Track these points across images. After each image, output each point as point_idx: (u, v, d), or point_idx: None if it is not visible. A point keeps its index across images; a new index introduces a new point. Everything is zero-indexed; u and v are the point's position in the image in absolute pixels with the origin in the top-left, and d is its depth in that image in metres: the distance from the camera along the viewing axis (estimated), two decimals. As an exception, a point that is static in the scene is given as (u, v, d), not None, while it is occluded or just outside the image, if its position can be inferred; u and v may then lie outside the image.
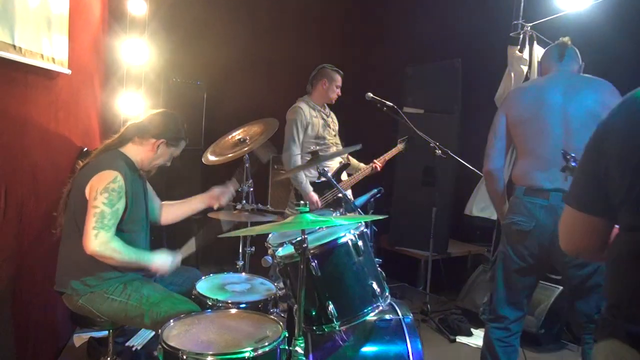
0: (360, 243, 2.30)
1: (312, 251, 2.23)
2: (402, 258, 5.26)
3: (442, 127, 5.01)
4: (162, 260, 2.48)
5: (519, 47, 4.62)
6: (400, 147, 4.39)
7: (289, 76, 4.88)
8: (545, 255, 2.60)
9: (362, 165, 4.40)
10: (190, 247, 2.66)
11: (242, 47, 5.16)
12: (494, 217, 4.75)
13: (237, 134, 3.45)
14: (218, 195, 2.97)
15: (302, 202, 2.02)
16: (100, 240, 2.29)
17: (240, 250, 3.54)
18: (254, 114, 4.71)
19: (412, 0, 4.90)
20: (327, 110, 4.42)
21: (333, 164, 4.32)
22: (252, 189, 3.48)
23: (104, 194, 2.33)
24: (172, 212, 2.94)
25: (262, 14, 5.47)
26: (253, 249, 3.58)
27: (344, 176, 4.36)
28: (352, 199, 4.50)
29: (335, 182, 3.14)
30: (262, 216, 3.10)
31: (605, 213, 1.36)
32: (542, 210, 2.54)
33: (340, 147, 4.46)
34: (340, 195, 4.34)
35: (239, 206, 3.21)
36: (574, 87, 2.61)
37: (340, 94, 4.34)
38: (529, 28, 4.59)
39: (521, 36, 4.62)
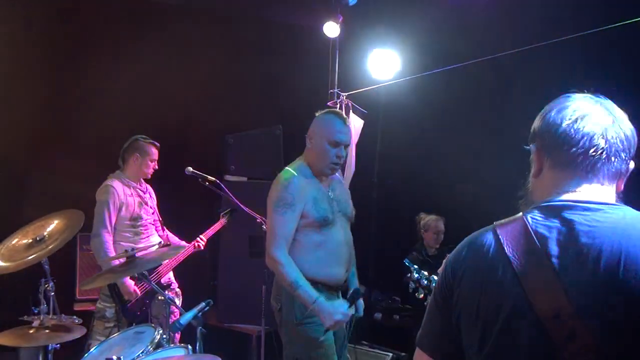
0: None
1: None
2: (231, 334, 4.96)
3: (266, 194, 4.90)
4: None
5: (336, 115, 4.75)
6: (223, 221, 4.27)
7: (97, 149, 4.35)
8: None
9: (183, 243, 4.11)
10: None
11: (34, 113, 4.37)
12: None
13: (30, 231, 2.90)
14: None
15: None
16: None
17: None
18: (54, 196, 4.06)
19: (226, 68, 4.76)
20: (144, 185, 4.04)
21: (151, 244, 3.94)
22: (53, 294, 2.94)
23: None
24: None
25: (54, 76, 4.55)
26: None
27: (164, 257, 3.99)
28: (175, 281, 4.16)
29: (150, 281, 2.82)
30: (67, 333, 2.61)
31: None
32: None
33: (158, 225, 4.12)
34: (162, 280, 4.02)
35: (35, 322, 2.65)
36: None
37: (157, 167, 4.00)
38: (344, 97, 4.74)
39: (337, 105, 4.75)
